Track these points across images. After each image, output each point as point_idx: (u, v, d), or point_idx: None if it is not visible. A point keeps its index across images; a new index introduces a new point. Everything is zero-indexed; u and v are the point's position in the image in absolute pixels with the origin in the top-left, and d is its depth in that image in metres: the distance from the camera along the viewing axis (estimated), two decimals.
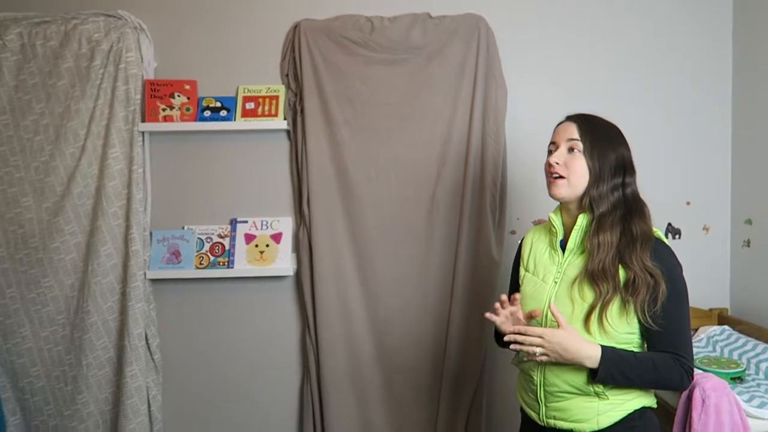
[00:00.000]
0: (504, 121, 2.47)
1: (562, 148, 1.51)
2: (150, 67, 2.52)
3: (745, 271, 2.48)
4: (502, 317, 1.54)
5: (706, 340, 2.32)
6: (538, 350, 1.40)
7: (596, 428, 1.45)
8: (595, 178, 1.48)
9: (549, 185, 1.54)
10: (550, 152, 1.56)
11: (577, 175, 1.49)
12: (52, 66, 2.45)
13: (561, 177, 1.50)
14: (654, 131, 2.51)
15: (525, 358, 1.46)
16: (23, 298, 2.45)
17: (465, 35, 2.44)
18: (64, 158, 2.44)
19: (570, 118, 1.56)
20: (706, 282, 2.52)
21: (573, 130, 1.51)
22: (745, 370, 2.02)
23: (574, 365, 1.43)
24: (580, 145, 1.49)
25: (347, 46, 2.45)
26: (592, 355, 1.39)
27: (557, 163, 1.50)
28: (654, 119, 2.52)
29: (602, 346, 1.40)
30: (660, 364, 1.41)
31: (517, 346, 1.42)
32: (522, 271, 1.65)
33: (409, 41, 2.45)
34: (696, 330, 2.43)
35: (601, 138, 1.51)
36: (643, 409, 1.48)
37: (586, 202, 1.49)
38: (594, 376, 1.40)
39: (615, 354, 1.40)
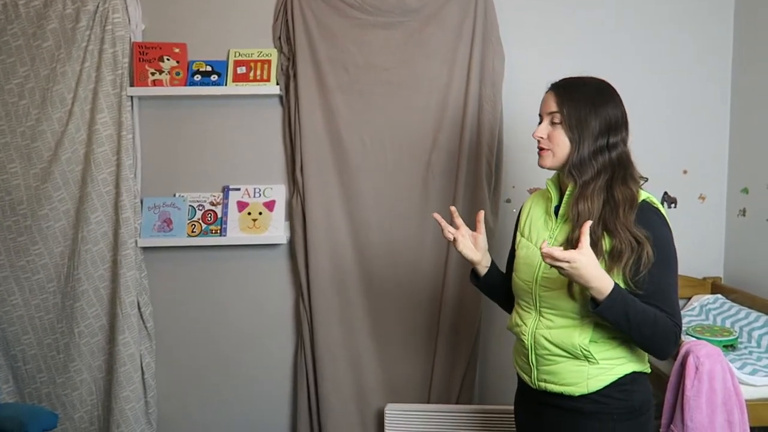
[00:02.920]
0: (501, 86, 2.43)
1: (545, 121, 1.52)
2: (138, 29, 2.45)
3: (739, 240, 2.48)
4: (460, 243, 1.62)
5: (699, 309, 2.33)
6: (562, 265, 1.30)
7: (586, 391, 1.45)
8: (575, 147, 1.46)
9: (538, 156, 1.55)
10: (538, 124, 1.55)
11: (559, 146, 1.48)
12: (36, 27, 2.38)
13: (546, 149, 1.50)
14: (651, 99, 2.48)
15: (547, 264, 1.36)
16: (12, 265, 2.42)
17: None
18: (51, 123, 2.38)
19: (551, 87, 1.54)
20: (700, 251, 2.51)
21: (552, 102, 1.50)
22: (737, 338, 2.03)
23: (564, 326, 1.44)
24: (558, 117, 1.48)
25: (341, 9, 2.39)
26: (605, 285, 1.33)
27: (541, 138, 1.51)
28: (652, 87, 2.48)
29: (615, 283, 1.36)
30: (660, 319, 1.38)
31: (548, 250, 1.31)
32: (518, 237, 1.65)
33: (404, 4, 2.39)
34: (689, 298, 2.44)
35: (578, 104, 1.47)
36: (635, 374, 1.48)
37: (567, 169, 1.48)
38: (594, 306, 1.35)
39: (625, 293, 1.36)
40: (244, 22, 2.48)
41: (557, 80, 1.54)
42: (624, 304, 1.35)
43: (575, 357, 1.45)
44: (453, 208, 1.68)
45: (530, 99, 2.36)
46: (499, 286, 1.71)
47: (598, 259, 1.37)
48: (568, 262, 1.29)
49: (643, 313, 1.36)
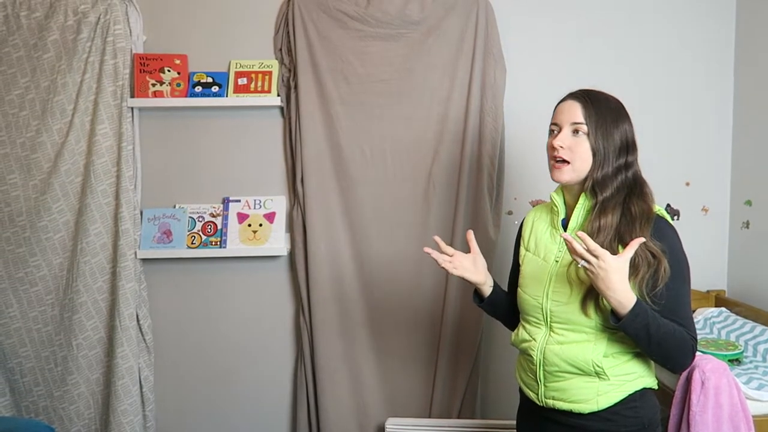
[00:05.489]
0: (502, 99, 2.42)
1: (566, 131, 1.45)
2: (139, 40, 2.45)
3: (743, 253, 2.46)
4: (458, 268, 1.59)
5: (703, 322, 2.31)
6: (586, 263, 1.30)
7: (596, 409, 1.42)
8: (599, 162, 1.44)
9: (551, 169, 1.48)
10: (551, 132, 1.50)
11: (581, 159, 1.44)
12: (38, 38, 2.38)
13: (565, 162, 1.45)
14: (654, 110, 2.47)
15: (580, 265, 1.34)
16: (11, 277, 2.40)
17: (463, 10, 2.39)
18: (51, 134, 2.38)
19: (574, 97, 1.49)
20: (703, 264, 2.48)
21: (577, 112, 1.45)
22: (742, 352, 2.01)
23: (578, 341, 1.42)
24: (584, 128, 1.44)
25: (342, 20, 2.39)
26: (628, 298, 1.31)
27: (561, 147, 1.44)
28: (654, 98, 2.48)
29: (637, 297, 1.34)
30: (678, 333, 1.37)
31: (575, 246, 1.30)
32: (522, 251, 1.62)
33: (405, 15, 2.39)
34: (693, 312, 2.42)
35: (605, 118, 1.45)
36: (644, 390, 1.46)
37: (589, 185, 1.45)
38: (616, 320, 1.33)
39: (646, 307, 1.34)
40: (245, 33, 2.48)
41: (574, 90, 1.51)
42: (645, 318, 1.33)
43: (586, 373, 1.43)
44: (436, 238, 1.68)
45: (532, 111, 2.39)
46: (504, 305, 1.68)
47: None
48: (596, 257, 1.27)
49: (663, 326, 1.35)
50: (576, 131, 1.45)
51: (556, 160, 1.46)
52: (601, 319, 1.40)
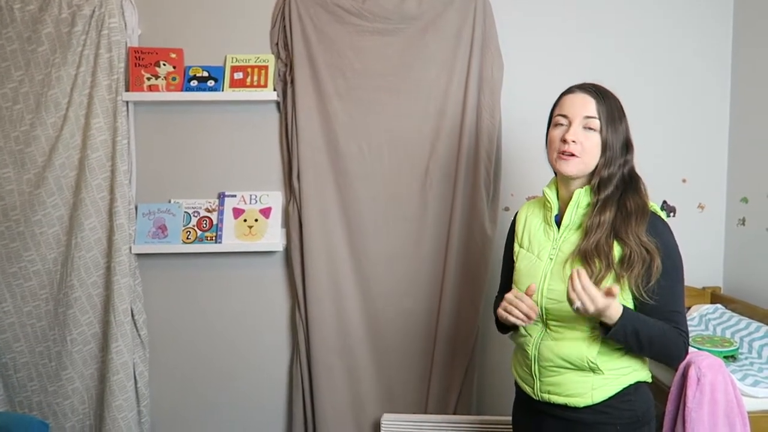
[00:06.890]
0: (499, 94, 2.41)
1: (577, 125, 1.43)
2: (134, 34, 2.44)
3: (739, 250, 2.46)
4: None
5: (698, 319, 2.31)
6: (580, 306, 1.30)
7: (590, 402, 1.43)
8: (608, 159, 1.43)
9: (557, 160, 1.46)
10: (558, 125, 1.47)
11: (591, 154, 1.43)
12: (32, 32, 2.36)
13: (573, 155, 1.43)
14: (651, 107, 2.47)
15: (574, 308, 1.33)
16: (4, 272, 2.39)
17: (461, 5, 2.38)
18: (46, 128, 2.36)
19: (585, 90, 1.46)
20: (699, 260, 2.49)
21: (591, 106, 1.43)
22: (738, 348, 2.01)
23: (573, 338, 1.42)
24: (597, 124, 1.42)
25: (339, 15, 2.38)
26: (615, 310, 1.33)
27: (573, 142, 1.42)
28: (651, 95, 2.47)
29: (624, 306, 1.35)
30: (668, 332, 1.39)
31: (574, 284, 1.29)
32: (516, 247, 1.61)
33: (403, 10, 2.38)
34: (689, 308, 2.42)
35: (613, 113, 1.45)
36: (638, 384, 1.47)
37: (596, 183, 1.44)
38: (606, 331, 1.35)
39: (633, 313, 1.36)
40: (241, 27, 2.47)
41: (581, 83, 1.49)
42: (633, 322, 1.34)
43: (580, 368, 1.43)
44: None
45: (529, 107, 2.38)
46: None
47: (608, 271, 1.38)
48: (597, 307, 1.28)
49: (652, 328, 1.36)
50: (588, 126, 1.43)
51: (564, 153, 1.44)
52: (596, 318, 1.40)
